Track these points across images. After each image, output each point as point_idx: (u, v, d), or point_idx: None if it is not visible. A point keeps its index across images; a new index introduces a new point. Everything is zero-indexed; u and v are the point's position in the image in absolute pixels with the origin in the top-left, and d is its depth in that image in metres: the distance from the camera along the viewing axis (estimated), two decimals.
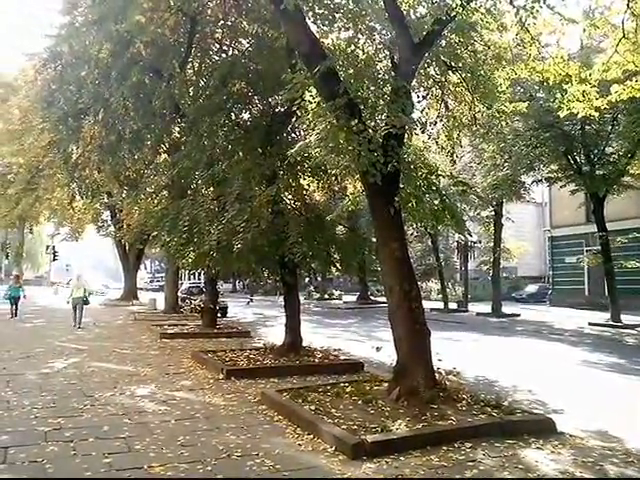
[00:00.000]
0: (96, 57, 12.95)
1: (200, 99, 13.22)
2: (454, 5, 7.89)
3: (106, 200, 31.24)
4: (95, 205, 32.44)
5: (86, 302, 18.74)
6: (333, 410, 6.73)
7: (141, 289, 41.86)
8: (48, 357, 11.55)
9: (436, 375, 7.58)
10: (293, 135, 13.05)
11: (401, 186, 7.91)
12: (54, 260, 48.39)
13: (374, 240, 10.26)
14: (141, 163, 17.07)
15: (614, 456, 5.59)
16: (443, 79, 10.29)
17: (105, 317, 22.91)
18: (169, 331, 16.59)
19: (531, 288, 42.93)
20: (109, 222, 36.19)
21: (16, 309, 21.80)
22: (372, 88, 8.49)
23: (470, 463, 5.23)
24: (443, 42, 9.25)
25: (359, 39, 9.99)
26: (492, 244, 30.49)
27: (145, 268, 74.71)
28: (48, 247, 47.12)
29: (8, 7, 75.49)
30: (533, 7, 7.76)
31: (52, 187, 31.87)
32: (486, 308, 29.28)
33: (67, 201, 31.91)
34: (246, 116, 13.62)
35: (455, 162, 12.14)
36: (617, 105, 10.23)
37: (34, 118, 24.94)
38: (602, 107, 9.55)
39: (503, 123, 12.33)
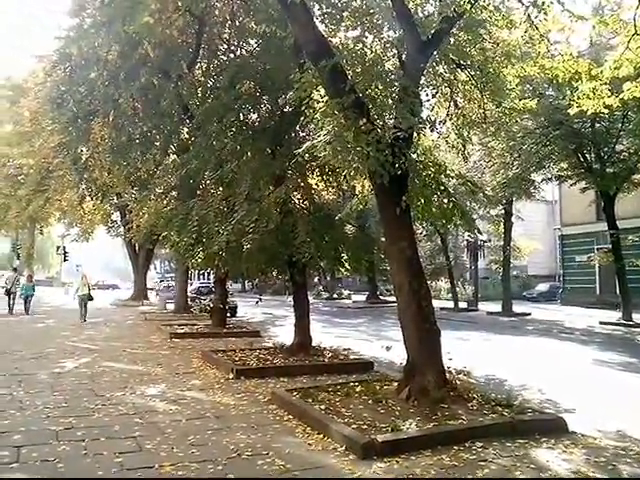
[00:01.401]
0: (105, 59, 13.03)
1: (208, 100, 13.26)
2: (462, 2, 7.85)
3: (116, 201, 31.41)
4: (105, 206, 32.59)
5: (90, 298, 20.48)
6: (343, 410, 6.72)
7: (151, 289, 42.01)
8: (59, 357, 11.62)
9: (446, 374, 7.55)
10: (302, 135, 13.05)
11: (409, 185, 7.88)
12: (65, 261, 48.71)
13: (383, 239, 10.24)
14: (151, 163, 17.15)
15: (627, 456, 5.53)
16: (452, 77, 10.26)
17: (115, 317, 23.04)
18: (179, 331, 16.64)
19: (542, 287, 42.67)
20: (119, 223, 36.33)
21: (28, 307, 22.96)
22: (380, 87, 8.47)
23: (481, 463, 5.20)
24: (451, 40, 9.21)
25: (366, 37, 10.00)
26: (502, 243, 30.35)
27: (155, 268, 74.98)
28: (59, 248, 47.43)
29: (16, 9, 76.12)
30: (544, 3, 7.72)
31: (62, 188, 32.12)
32: (496, 307, 29.14)
33: (77, 202, 32.11)
34: (254, 116, 13.63)
35: (467, 159, 12.09)
36: (628, 102, 10.14)
37: (44, 120, 25.13)
38: (614, 105, 9.46)
39: (512, 121, 12.26)
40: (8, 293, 23.27)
